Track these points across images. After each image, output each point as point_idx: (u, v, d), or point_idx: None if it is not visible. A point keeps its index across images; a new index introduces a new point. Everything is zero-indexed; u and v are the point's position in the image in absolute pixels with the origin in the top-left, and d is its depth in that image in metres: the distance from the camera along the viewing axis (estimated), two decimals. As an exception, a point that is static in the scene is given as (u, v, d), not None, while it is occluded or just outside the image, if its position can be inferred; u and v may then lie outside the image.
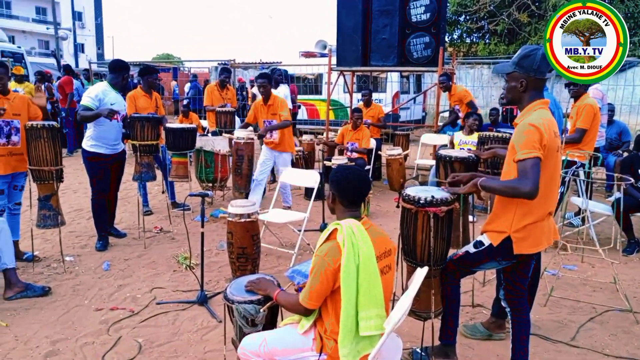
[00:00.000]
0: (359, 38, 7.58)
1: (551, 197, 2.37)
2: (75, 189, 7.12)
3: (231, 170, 5.63)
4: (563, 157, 4.59)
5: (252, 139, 5.27)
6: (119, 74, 4.62)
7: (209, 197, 3.80)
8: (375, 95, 10.08)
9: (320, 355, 2.14)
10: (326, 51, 14.32)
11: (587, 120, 4.62)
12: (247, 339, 2.27)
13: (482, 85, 12.85)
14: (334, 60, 8.07)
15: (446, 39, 17.62)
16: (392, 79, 12.17)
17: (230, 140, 5.73)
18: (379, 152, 7.36)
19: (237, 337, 2.43)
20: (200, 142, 5.97)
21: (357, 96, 10.33)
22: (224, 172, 6.13)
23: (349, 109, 8.99)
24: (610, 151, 6.69)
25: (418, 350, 2.77)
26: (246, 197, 5.22)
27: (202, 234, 3.62)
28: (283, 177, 4.97)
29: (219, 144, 6.04)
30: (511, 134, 4.21)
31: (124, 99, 4.99)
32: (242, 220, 3.80)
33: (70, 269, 4.16)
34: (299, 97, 12.75)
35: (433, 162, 7.56)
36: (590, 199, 5.01)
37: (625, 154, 6.25)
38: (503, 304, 2.68)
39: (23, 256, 4.24)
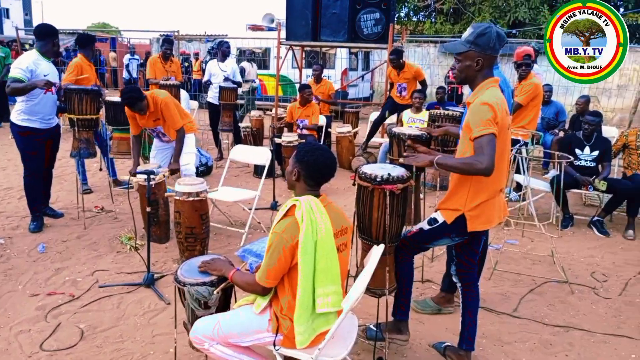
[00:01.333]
0: (309, 12, 7.42)
1: (502, 174, 2.42)
2: (4, 166, 6.60)
3: (143, 219, 4.18)
4: (508, 136, 4.76)
5: (165, 176, 4.10)
6: (48, 40, 4.21)
7: (155, 175, 3.62)
8: (325, 72, 10.00)
9: (276, 336, 2.10)
10: (274, 25, 14.02)
11: (526, 98, 4.79)
12: (200, 323, 2.20)
13: (428, 64, 13.03)
14: (283, 34, 7.87)
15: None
16: (342, 56, 12.10)
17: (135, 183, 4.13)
18: (329, 130, 7.33)
19: (189, 321, 2.35)
20: (143, 116, 5.67)
21: (306, 72, 10.21)
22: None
23: (297, 85, 8.85)
24: (547, 130, 7.00)
25: (372, 327, 2.80)
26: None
27: (149, 212, 3.45)
28: (233, 154, 4.82)
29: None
30: (460, 112, 4.31)
31: (57, 68, 4.62)
32: (190, 199, 3.66)
33: (1, 252, 3.86)
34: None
35: (382, 140, 7.64)
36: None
37: (562, 134, 6.57)
38: (454, 279, 2.74)
39: (-54, 239, 3.90)
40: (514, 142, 4.80)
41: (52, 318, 2.99)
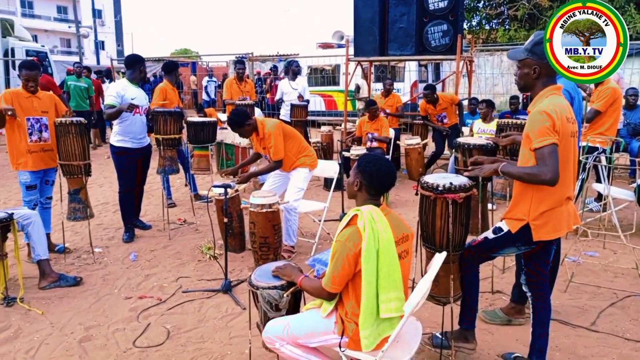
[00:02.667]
0: (376, 28, 7.56)
1: (567, 182, 2.38)
2: (101, 183, 7.32)
3: (220, 230, 4.51)
4: (584, 143, 4.56)
5: (237, 191, 4.34)
6: (135, 67, 4.74)
7: (231, 189, 3.90)
8: (394, 85, 10.05)
9: (342, 338, 2.22)
10: (343, 42, 14.32)
11: (605, 104, 4.57)
12: (271, 324, 2.36)
13: (501, 73, 12.64)
14: (351, 50, 8.07)
15: (465, 26, 17.38)
16: (410, 68, 12.11)
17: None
18: (398, 142, 7.38)
19: (262, 322, 2.52)
20: (221, 135, 6.08)
21: (375, 86, 10.33)
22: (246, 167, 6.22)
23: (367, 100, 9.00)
24: (634, 136, 6.57)
25: (438, 334, 2.82)
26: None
27: (226, 224, 3.72)
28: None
29: (239, 137, 6.13)
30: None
31: (147, 92, 5.13)
32: (264, 210, 3.90)
33: (100, 259, 4.32)
34: (316, 88, 12.80)
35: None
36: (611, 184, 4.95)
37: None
38: (524, 289, 2.70)
39: (55, 248, 4.42)
40: (592, 149, 4.60)
41: (143, 319, 3.31)
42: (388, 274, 2.13)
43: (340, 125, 9.17)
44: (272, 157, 4.21)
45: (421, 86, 12.49)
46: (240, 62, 7.41)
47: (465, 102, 8.14)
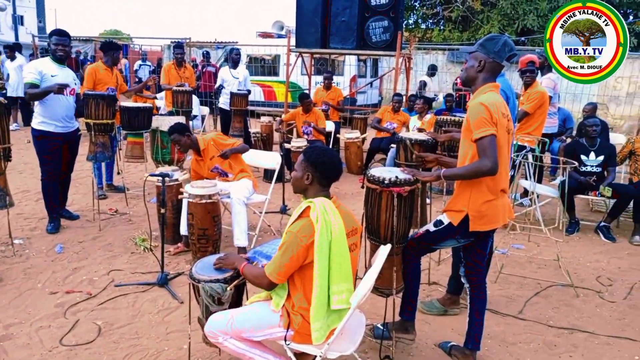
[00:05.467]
0: (319, 19, 7.55)
1: (502, 175, 2.49)
2: (21, 169, 6.77)
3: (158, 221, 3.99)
4: (514, 142, 4.82)
5: (177, 180, 4.23)
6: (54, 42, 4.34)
7: (169, 178, 3.74)
8: (333, 79, 10.07)
9: (287, 331, 2.19)
10: (283, 32, 14.18)
11: (534, 106, 4.86)
12: (214, 318, 2.29)
13: (437, 72, 13.11)
14: (292, 41, 8.01)
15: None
16: (350, 63, 12.23)
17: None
18: (338, 136, 7.43)
19: (204, 316, 2.44)
20: (157, 122, 5.80)
21: (315, 79, 10.33)
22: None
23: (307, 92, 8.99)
24: (555, 137, 7.05)
25: (379, 325, 2.87)
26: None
27: (163, 215, 3.56)
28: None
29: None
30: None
31: (76, 73, 4.78)
32: (203, 201, 3.77)
33: (20, 252, 3.99)
34: (256, 78, 12.60)
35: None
36: (539, 182, 5.29)
37: (569, 140, 6.62)
38: (463, 280, 2.81)
39: (-33, 239, 4.03)
40: (521, 148, 4.87)
41: (71, 315, 3.10)
42: (340, 266, 2.13)
43: (280, 117, 9.09)
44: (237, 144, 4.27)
45: (360, 81, 12.68)
46: (179, 47, 7.11)
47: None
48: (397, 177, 2.55)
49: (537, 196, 4.67)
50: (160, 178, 3.54)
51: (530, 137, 4.86)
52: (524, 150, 4.85)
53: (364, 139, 7.44)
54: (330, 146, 7.04)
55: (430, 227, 2.68)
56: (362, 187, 2.70)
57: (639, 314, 3.39)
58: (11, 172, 6.46)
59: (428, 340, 2.98)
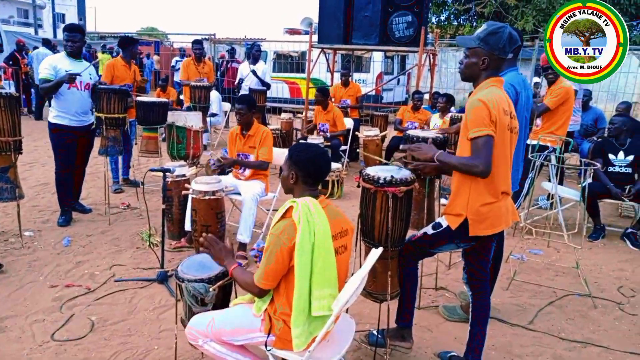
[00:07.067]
0: (341, 15, 7.42)
1: (502, 176, 2.31)
2: (44, 162, 6.92)
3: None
4: (535, 142, 4.58)
5: (184, 175, 4.29)
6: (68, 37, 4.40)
7: (170, 173, 3.71)
8: (358, 75, 9.93)
9: (268, 337, 2.09)
10: (312, 29, 14.10)
11: (555, 102, 4.59)
12: (195, 319, 2.22)
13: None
14: (315, 37, 7.90)
15: (433, 21, 17.42)
16: (376, 59, 12.02)
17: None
18: (357, 133, 7.29)
19: (187, 317, 2.38)
20: (172, 117, 5.81)
21: (339, 75, 10.19)
22: (196, 148, 5.99)
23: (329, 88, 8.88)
24: (585, 137, 6.71)
25: (374, 332, 2.74)
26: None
27: (163, 210, 3.53)
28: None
29: (192, 120, 5.88)
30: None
31: (95, 67, 4.83)
32: (206, 197, 3.72)
33: (29, 244, 4.04)
34: (282, 74, 12.56)
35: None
36: (561, 184, 5.02)
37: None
38: (465, 287, 2.65)
39: (-20, 230, 4.12)
40: (542, 148, 4.62)
41: (67, 309, 3.09)
42: (323, 270, 2.02)
43: (302, 114, 9.01)
44: (265, 158, 4.16)
45: (386, 78, 12.45)
46: (197, 42, 7.13)
47: (427, 96, 8.13)
48: (392, 176, 2.41)
49: (560, 199, 4.42)
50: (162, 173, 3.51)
51: (552, 137, 4.60)
52: (546, 151, 4.60)
53: (383, 137, 7.26)
54: (348, 144, 6.90)
55: (428, 229, 2.53)
56: (358, 186, 2.57)
57: (662, 329, 3.14)
58: (35, 164, 6.65)
59: (428, 349, 2.83)
